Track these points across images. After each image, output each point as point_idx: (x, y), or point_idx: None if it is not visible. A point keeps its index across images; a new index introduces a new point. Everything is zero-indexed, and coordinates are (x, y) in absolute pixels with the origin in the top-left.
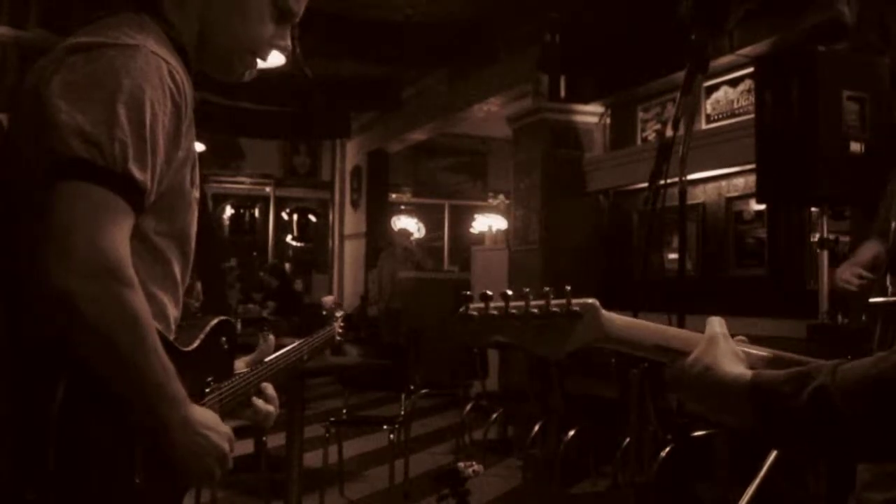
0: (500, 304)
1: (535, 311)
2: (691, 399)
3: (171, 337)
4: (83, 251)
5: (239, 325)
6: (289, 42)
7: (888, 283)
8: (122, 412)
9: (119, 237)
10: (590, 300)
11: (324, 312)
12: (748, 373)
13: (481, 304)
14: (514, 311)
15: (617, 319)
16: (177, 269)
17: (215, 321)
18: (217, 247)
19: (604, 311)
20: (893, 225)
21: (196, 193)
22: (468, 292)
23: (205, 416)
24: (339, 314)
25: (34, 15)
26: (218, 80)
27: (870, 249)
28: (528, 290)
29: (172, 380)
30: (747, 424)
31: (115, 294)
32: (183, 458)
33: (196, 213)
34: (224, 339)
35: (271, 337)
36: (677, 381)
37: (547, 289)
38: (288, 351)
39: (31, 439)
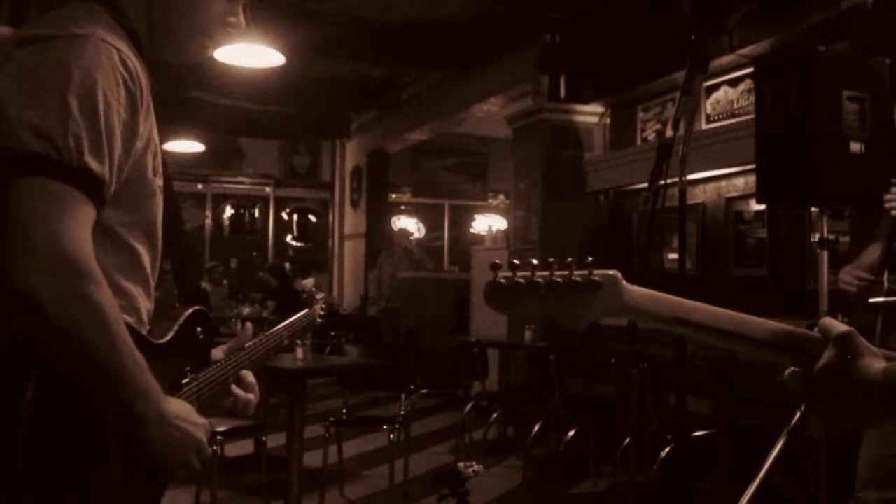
0: (527, 273)
1: (559, 280)
2: (833, 403)
3: (144, 329)
4: (44, 248)
5: (239, 325)
6: (241, 19)
7: (885, 280)
8: (94, 409)
9: (80, 231)
10: (611, 271)
11: (304, 296)
12: (882, 366)
13: (509, 273)
14: (539, 279)
15: (636, 291)
16: (146, 260)
17: (189, 311)
18: (185, 234)
19: (625, 283)
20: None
21: (160, 182)
22: (497, 261)
23: (179, 407)
24: (319, 297)
25: (35, 15)
26: (173, 63)
27: (872, 252)
28: (552, 259)
29: (144, 374)
30: (887, 420)
31: (79, 290)
32: (159, 451)
33: (161, 202)
34: (199, 328)
35: (248, 324)
36: (815, 385)
37: (570, 259)
38: (267, 336)
39: (1, 440)
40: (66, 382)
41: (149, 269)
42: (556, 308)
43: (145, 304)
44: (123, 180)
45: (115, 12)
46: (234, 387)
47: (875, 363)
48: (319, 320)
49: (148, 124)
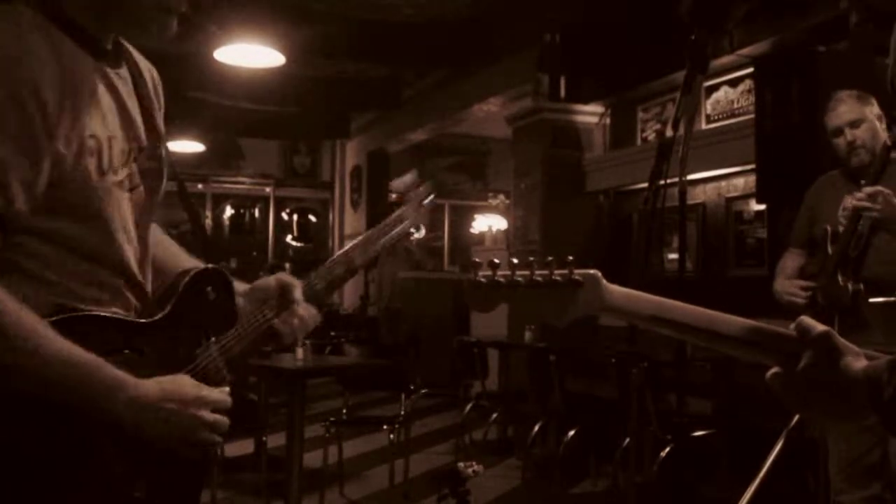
0: (507, 271)
1: (539, 279)
2: (816, 402)
3: (134, 316)
4: None
5: None
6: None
7: (840, 281)
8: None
9: None
10: (591, 271)
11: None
12: (863, 365)
13: (489, 272)
14: (519, 278)
15: (617, 290)
16: (121, 255)
17: (190, 276)
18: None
19: (605, 282)
20: (829, 229)
21: (119, 176)
22: (477, 259)
23: (160, 389)
24: (427, 199)
25: None
26: (142, 43)
27: (794, 260)
28: (533, 258)
29: (94, 373)
30: (871, 418)
31: None
32: (160, 436)
33: (126, 197)
34: (210, 288)
35: (279, 276)
36: (797, 385)
37: (550, 258)
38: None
39: None
40: (27, 400)
41: (127, 262)
42: (537, 307)
43: (131, 296)
44: (56, 185)
45: (44, 5)
46: (278, 322)
47: (856, 362)
48: (415, 234)
49: (81, 123)
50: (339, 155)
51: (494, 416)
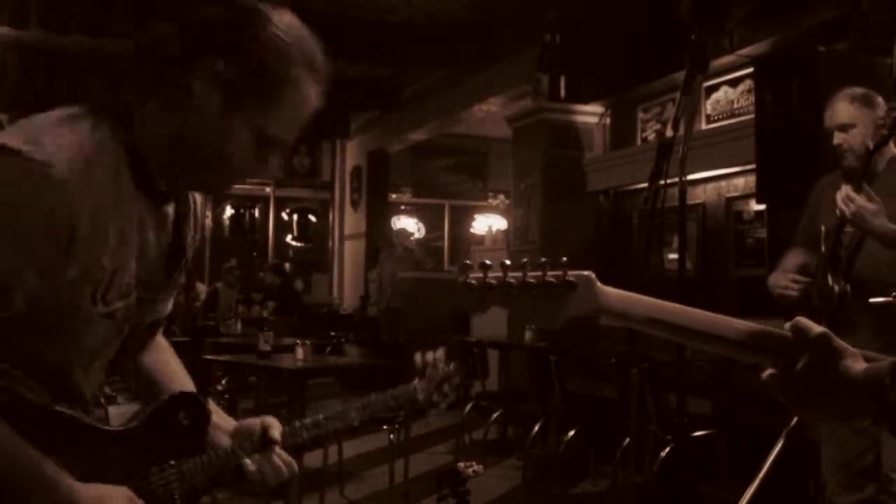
0: (499, 273)
1: (532, 280)
2: (815, 403)
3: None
4: None
5: (239, 326)
6: (275, 171)
7: (830, 282)
8: None
9: None
10: (585, 272)
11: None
12: (863, 367)
13: (480, 274)
14: (511, 280)
15: (611, 292)
16: (64, 369)
17: (166, 398)
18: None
19: (599, 284)
20: (823, 228)
21: (109, 308)
22: (467, 261)
23: (95, 493)
24: (446, 385)
25: (34, 15)
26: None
27: (795, 258)
28: (525, 260)
29: (34, 466)
30: (867, 420)
31: None
32: None
33: (110, 325)
34: (184, 413)
35: (273, 423)
36: (796, 386)
37: (544, 259)
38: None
39: None
40: None
41: (57, 373)
42: (529, 309)
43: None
44: (40, 305)
45: (123, 129)
46: (249, 460)
47: (855, 364)
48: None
49: (97, 254)
50: (339, 155)
51: (494, 416)
